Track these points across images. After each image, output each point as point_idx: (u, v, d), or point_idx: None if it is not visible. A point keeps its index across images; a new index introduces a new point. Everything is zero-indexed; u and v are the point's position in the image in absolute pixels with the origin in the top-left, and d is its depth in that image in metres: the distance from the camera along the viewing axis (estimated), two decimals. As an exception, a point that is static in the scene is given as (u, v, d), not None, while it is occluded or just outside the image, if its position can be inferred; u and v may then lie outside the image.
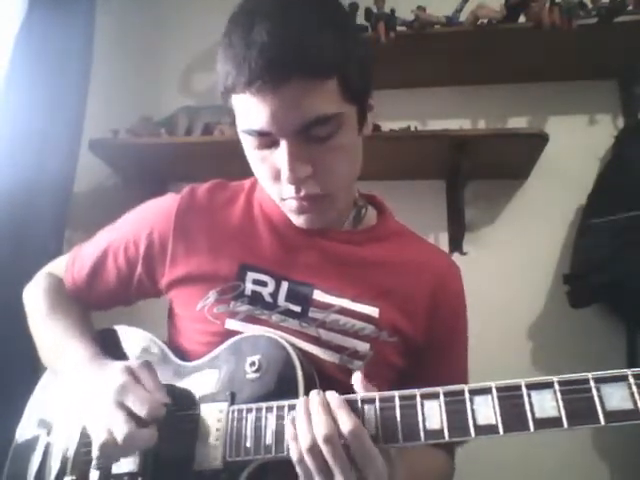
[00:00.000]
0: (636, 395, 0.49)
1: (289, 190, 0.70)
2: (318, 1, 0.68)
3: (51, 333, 0.83)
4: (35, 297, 0.89)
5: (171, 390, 0.71)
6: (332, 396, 0.60)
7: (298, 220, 0.76)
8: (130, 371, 0.69)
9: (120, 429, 0.63)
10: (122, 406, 0.65)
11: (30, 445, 0.81)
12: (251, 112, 0.65)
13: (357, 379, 0.61)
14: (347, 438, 0.56)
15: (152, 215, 0.86)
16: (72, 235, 1.73)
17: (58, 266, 0.93)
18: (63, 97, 1.62)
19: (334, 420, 0.57)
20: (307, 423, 0.58)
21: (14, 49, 1.51)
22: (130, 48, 1.99)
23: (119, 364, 0.71)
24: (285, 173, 0.67)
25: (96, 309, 0.92)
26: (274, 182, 0.72)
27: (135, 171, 1.80)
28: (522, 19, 1.56)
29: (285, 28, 0.63)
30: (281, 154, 0.67)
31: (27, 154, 1.50)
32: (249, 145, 0.71)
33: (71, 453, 0.75)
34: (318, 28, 0.64)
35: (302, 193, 0.70)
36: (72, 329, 0.82)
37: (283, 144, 0.66)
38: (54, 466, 0.76)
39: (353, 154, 0.74)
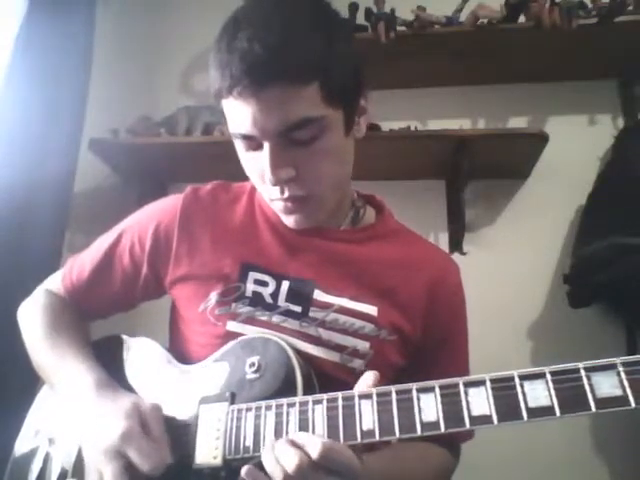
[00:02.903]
0: (625, 382, 0.50)
1: (274, 191, 0.72)
2: (305, 6, 0.69)
3: (51, 354, 0.81)
4: (33, 315, 0.87)
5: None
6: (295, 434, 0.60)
7: (287, 220, 0.77)
8: (138, 414, 0.68)
9: None
10: (121, 456, 0.64)
11: (30, 454, 0.81)
12: (236, 116, 0.68)
13: (363, 383, 0.62)
14: (321, 463, 0.56)
15: (156, 214, 0.86)
16: (72, 235, 1.73)
17: (55, 281, 0.91)
18: (63, 97, 1.62)
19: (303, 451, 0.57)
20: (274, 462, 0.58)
21: (14, 49, 1.51)
22: (130, 48, 2.00)
23: (127, 402, 0.70)
24: (267, 175, 0.68)
25: (95, 316, 0.92)
26: (262, 184, 0.74)
27: (135, 171, 1.80)
28: (522, 19, 1.56)
29: (266, 35, 0.64)
30: (264, 157, 0.68)
31: (27, 154, 1.50)
32: (239, 147, 0.73)
33: (72, 458, 0.75)
34: (300, 34, 0.65)
35: (286, 195, 0.71)
36: (73, 350, 0.81)
37: (266, 147, 0.68)
38: (54, 471, 0.76)
39: (339, 156, 0.74)
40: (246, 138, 0.69)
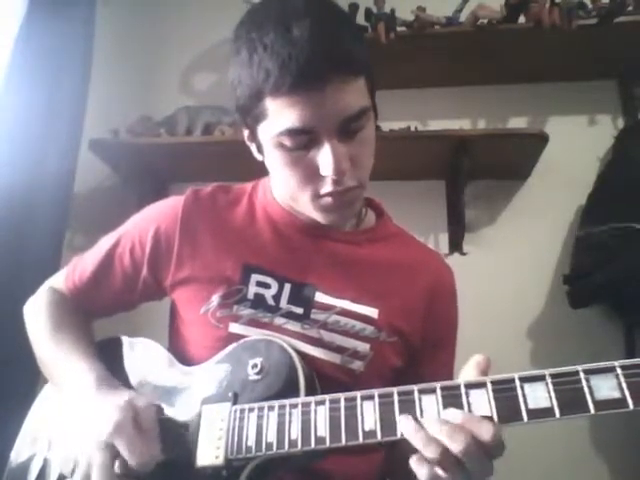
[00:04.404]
0: (623, 384, 0.51)
1: (329, 186, 0.70)
2: (331, 5, 0.71)
3: (55, 351, 0.82)
4: (37, 313, 0.88)
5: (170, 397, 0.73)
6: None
7: (328, 217, 0.75)
8: (132, 409, 0.67)
9: (98, 473, 0.63)
10: (110, 447, 0.64)
11: (27, 461, 0.80)
12: (294, 110, 0.65)
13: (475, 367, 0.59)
14: (489, 446, 0.54)
15: (157, 216, 0.85)
16: (72, 235, 1.74)
17: (58, 280, 0.92)
18: (63, 97, 1.62)
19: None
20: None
21: (14, 50, 1.51)
22: (130, 48, 1.99)
23: (123, 397, 0.69)
24: (330, 167, 0.67)
25: (98, 315, 0.92)
26: (308, 182, 0.71)
27: (135, 171, 1.79)
28: (522, 19, 1.56)
29: (323, 26, 0.65)
30: (325, 150, 0.67)
31: (27, 154, 1.50)
32: (282, 148, 0.70)
33: (71, 461, 0.74)
34: (347, 28, 0.68)
35: (342, 187, 0.70)
36: (77, 347, 0.81)
37: (326, 139, 0.67)
38: (53, 474, 0.76)
39: (373, 145, 0.75)
40: (302, 133, 0.67)
